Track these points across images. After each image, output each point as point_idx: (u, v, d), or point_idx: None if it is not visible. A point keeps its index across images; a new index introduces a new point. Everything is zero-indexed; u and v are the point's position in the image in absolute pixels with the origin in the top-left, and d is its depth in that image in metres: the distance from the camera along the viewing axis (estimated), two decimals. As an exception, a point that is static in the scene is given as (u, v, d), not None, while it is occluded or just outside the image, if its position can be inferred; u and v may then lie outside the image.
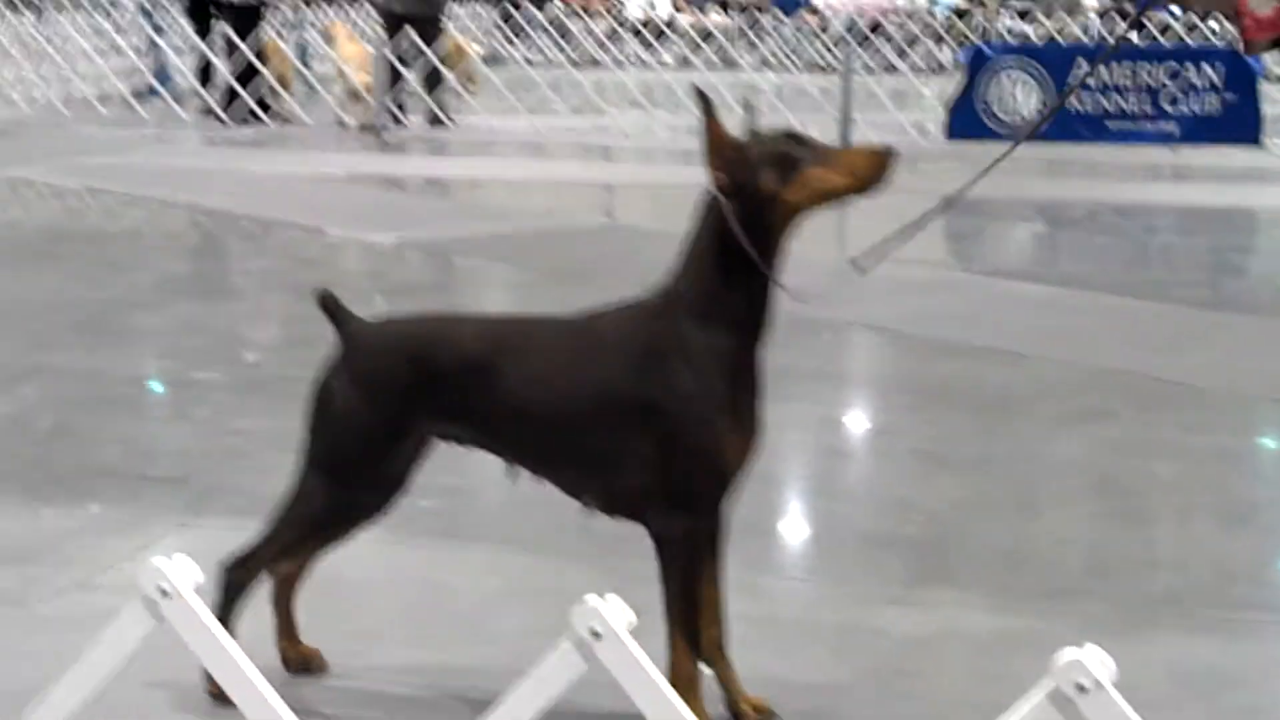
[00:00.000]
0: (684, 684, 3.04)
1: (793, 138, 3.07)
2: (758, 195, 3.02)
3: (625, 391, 3.04)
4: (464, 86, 15.96)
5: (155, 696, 3.06)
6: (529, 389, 3.09)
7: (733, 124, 3.16)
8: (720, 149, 3.04)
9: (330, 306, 3.35)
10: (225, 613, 3.16)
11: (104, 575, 4.10)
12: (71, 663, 1.85)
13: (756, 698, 3.28)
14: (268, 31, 15.57)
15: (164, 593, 1.76)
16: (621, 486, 3.09)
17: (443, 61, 15.32)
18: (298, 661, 3.34)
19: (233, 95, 15.34)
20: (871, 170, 3.00)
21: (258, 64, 15.32)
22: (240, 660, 1.79)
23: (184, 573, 1.76)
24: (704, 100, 3.09)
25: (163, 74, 17.10)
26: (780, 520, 4.02)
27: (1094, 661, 1.55)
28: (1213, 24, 24.20)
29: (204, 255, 9.34)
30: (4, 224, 10.26)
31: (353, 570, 3.80)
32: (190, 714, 3.07)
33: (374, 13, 17.47)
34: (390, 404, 3.17)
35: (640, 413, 3.02)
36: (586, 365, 3.10)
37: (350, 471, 3.19)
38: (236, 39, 15.28)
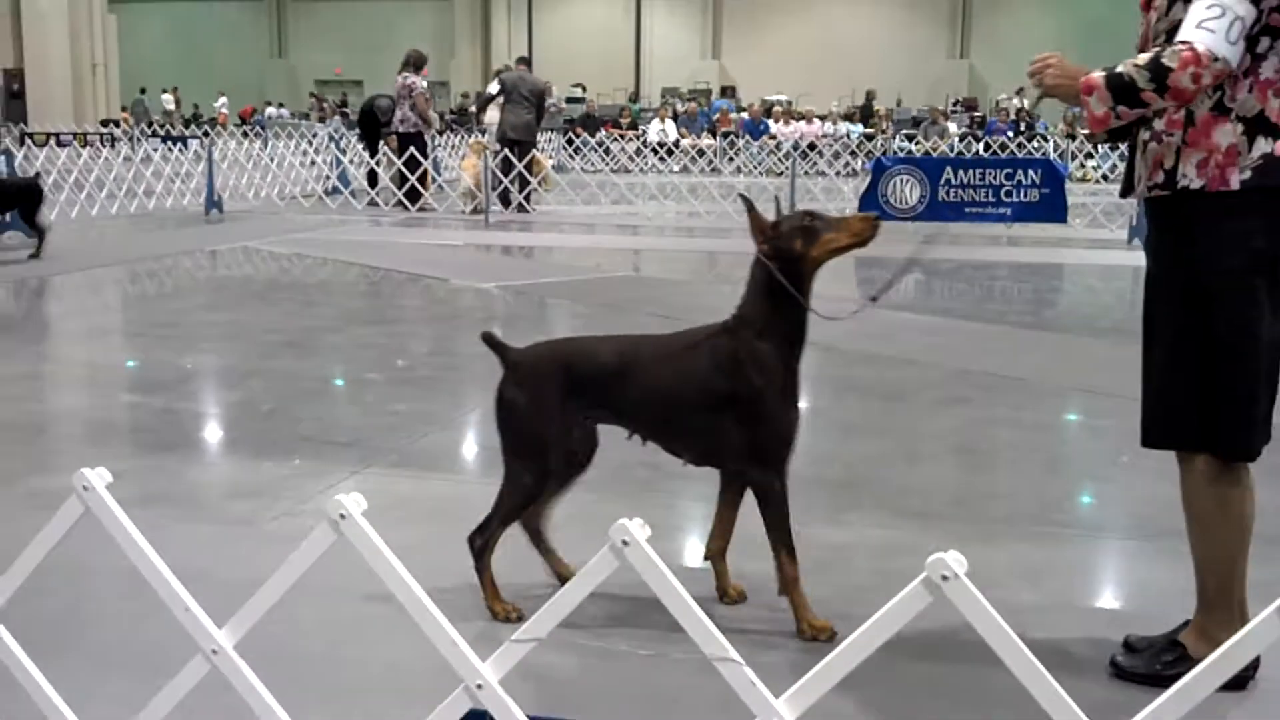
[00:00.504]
0: (790, 583, 3.10)
1: (809, 214, 3.11)
2: (791, 255, 3.06)
3: (715, 386, 3.06)
4: (541, 186, 15.93)
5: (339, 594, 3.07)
6: (647, 385, 3.10)
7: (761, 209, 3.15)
8: (761, 229, 3.11)
9: (492, 341, 3.30)
10: (479, 566, 3.21)
11: (304, 505, 4.12)
12: (281, 563, 1.85)
13: (738, 584, 3.28)
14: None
15: (342, 516, 1.76)
16: (709, 448, 3.13)
17: (528, 170, 15.34)
18: (564, 575, 3.32)
19: (409, 192, 15.38)
20: (865, 229, 3.04)
21: (430, 172, 15.37)
22: (395, 563, 1.78)
23: (355, 503, 1.76)
24: (746, 202, 3.18)
25: (344, 178, 17.13)
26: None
27: (953, 560, 1.54)
28: (1037, 143, 24.11)
29: (370, 297, 9.35)
30: (240, 277, 10.31)
31: (486, 502, 3.76)
32: (366, 607, 3.07)
33: (482, 138, 17.43)
34: (551, 402, 3.13)
35: (726, 400, 3.05)
36: (687, 368, 3.10)
37: (539, 454, 3.14)
38: (417, 153, 15.29)
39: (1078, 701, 1.58)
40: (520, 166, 15.16)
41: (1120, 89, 2.53)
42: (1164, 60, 2.47)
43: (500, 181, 15.13)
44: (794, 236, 3.06)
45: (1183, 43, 2.46)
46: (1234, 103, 2.56)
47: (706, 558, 3.33)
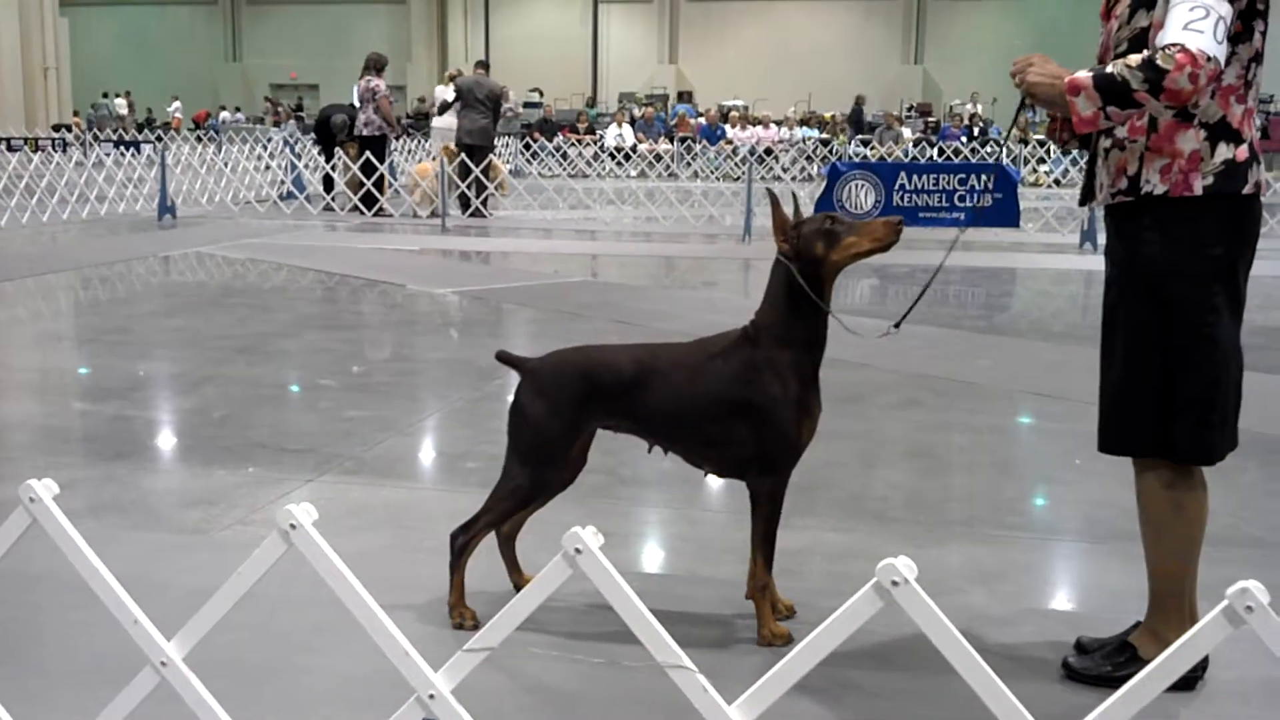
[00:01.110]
0: (760, 589, 3.08)
1: (831, 218, 3.04)
2: (813, 258, 3.00)
3: (733, 394, 3.01)
4: (497, 191, 15.89)
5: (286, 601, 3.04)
6: (665, 394, 3.04)
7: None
8: (784, 228, 3.04)
9: (507, 359, 3.23)
10: (454, 565, 3.15)
11: (256, 514, 4.08)
12: (231, 574, 1.84)
13: (787, 600, 3.26)
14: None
15: (292, 526, 1.75)
16: (731, 458, 3.06)
17: (485, 174, 15.30)
18: (520, 584, 3.27)
19: (365, 196, 15.32)
20: (888, 234, 2.97)
21: (386, 177, 15.29)
22: (346, 573, 1.77)
23: (305, 513, 1.75)
24: (772, 196, 3.09)
25: (298, 183, 17.02)
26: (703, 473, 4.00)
27: (903, 565, 1.54)
28: (990, 148, 24.30)
29: (325, 302, 9.29)
30: (193, 282, 10.22)
31: (443, 510, 3.74)
32: (311, 617, 3.04)
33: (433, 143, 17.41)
34: (567, 410, 3.08)
35: (744, 408, 3.00)
36: (705, 376, 3.05)
37: (544, 461, 3.10)
38: (375, 158, 15.22)
39: (1028, 704, 1.59)
40: (477, 171, 15.13)
41: (1111, 90, 2.49)
42: (1159, 62, 2.43)
43: (457, 186, 15.09)
44: (815, 238, 2.99)
45: (1173, 45, 2.42)
46: (1197, 109, 2.58)
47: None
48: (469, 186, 15.21)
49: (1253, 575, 1.57)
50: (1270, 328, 7.95)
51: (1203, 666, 2.76)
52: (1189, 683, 2.73)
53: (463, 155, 15.22)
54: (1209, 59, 2.41)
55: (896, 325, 3.15)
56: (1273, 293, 10.03)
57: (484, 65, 16.98)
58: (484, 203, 15.43)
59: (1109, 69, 2.51)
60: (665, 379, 3.06)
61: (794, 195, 3.38)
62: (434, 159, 15.63)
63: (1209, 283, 2.64)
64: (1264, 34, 2.61)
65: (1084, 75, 2.55)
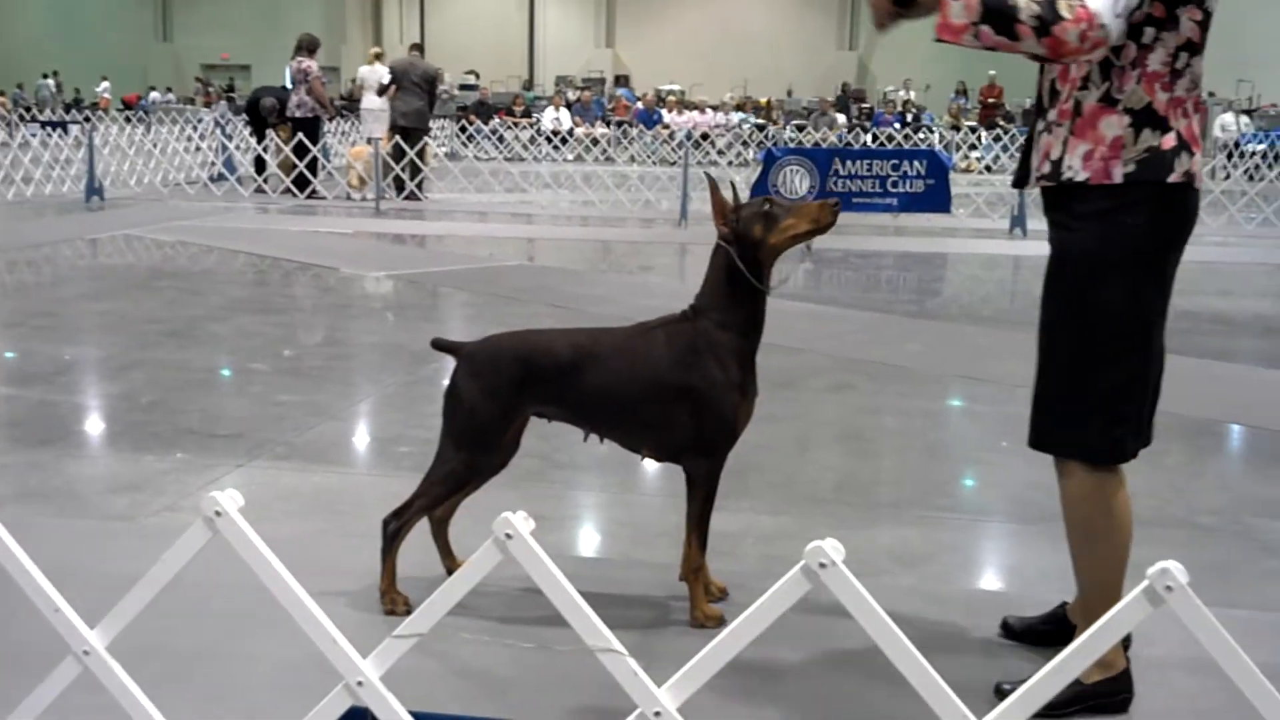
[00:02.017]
0: (695, 570, 3.09)
1: (769, 201, 3.04)
2: (752, 241, 2.99)
3: (674, 378, 3.00)
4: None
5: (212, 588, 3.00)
6: (604, 379, 3.01)
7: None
8: (723, 211, 3.03)
9: (443, 345, 3.19)
10: (387, 550, 3.11)
11: (185, 500, 4.03)
12: (157, 561, 1.81)
13: (719, 582, 3.27)
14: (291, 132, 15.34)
15: (217, 513, 1.72)
16: (670, 441, 3.04)
17: (420, 157, 15.19)
18: (453, 569, 3.23)
19: (297, 179, 15.18)
20: (825, 216, 2.98)
21: (319, 159, 15.11)
22: (271, 560, 1.75)
23: (231, 500, 1.72)
24: (711, 181, 3.08)
25: (229, 165, 16.77)
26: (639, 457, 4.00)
27: (830, 547, 1.55)
28: (923, 134, 24.50)
29: (256, 286, 9.17)
30: (121, 265, 10.05)
31: (376, 495, 3.71)
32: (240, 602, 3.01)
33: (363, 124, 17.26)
34: (503, 394, 3.04)
35: (685, 392, 2.98)
36: (644, 361, 3.03)
37: (478, 445, 3.07)
38: (307, 140, 15.05)
39: (954, 684, 1.60)
40: (412, 154, 15.01)
41: (996, 9, 2.36)
42: (1059, 7, 2.33)
43: (391, 169, 14.96)
44: (754, 222, 2.98)
45: (1077, 1, 2.35)
46: (1121, 94, 2.51)
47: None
48: (404, 169, 15.09)
49: (1174, 556, 1.59)
50: (1193, 312, 8.09)
51: (1128, 685, 2.71)
52: (1122, 705, 2.70)
53: (398, 138, 15.11)
54: (1101, 26, 2.34)
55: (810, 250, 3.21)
56: (1196, 278, 10.22)
57: (418, 47, 16.84)
58: (419, 186, 15.31)
59: None
60: (604, 363, 3.04)
61: (732, 182, 3.37)
62: (369, 141, 15.46)
63: (1129, 275, 2.56)
64: (1200, 24, 2.52)
65: None
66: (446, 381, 3.13)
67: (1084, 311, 2.61)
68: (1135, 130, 2.51)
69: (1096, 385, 2.63)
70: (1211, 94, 27.10)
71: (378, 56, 17.99)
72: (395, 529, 3.12)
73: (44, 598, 1.85)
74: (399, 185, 15.17)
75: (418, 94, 15.37)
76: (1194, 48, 2.53)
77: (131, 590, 1.83)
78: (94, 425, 5.17)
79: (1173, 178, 2.51)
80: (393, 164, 15.03)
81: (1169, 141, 2.52)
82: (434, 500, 3.14)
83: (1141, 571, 1.58)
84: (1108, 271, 2.57)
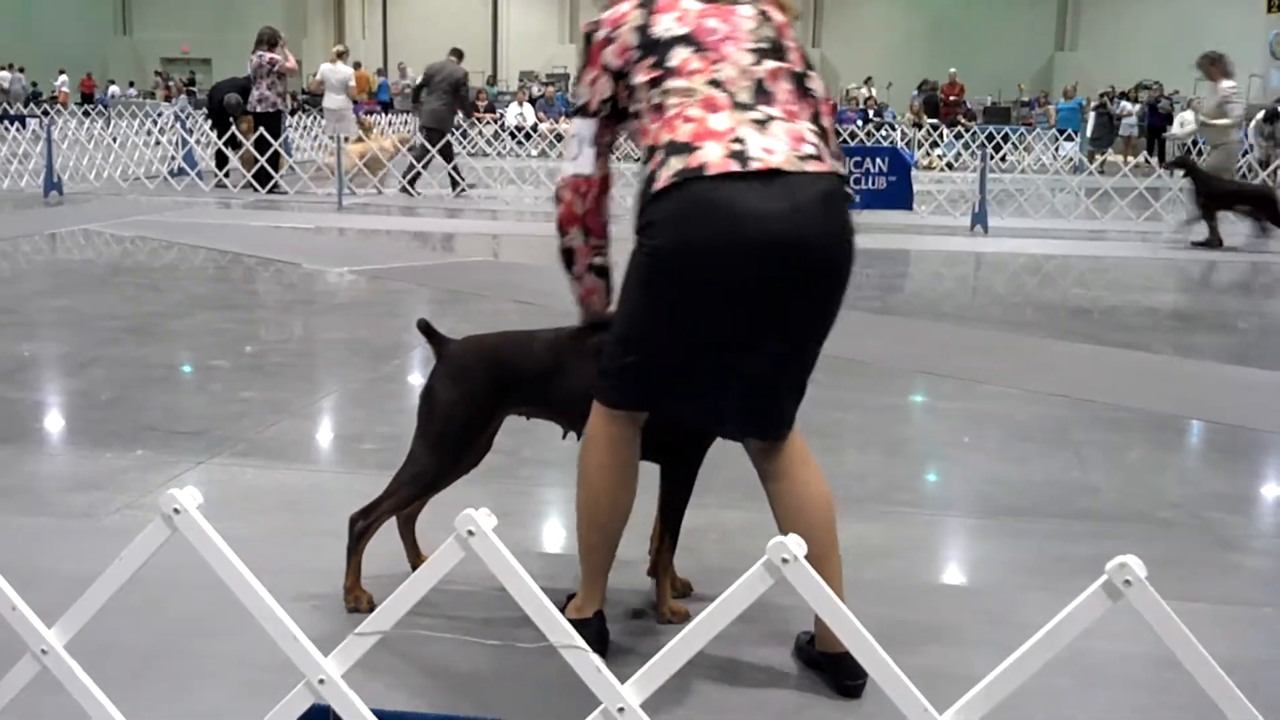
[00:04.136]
0: (665, 567, 3.16)
1: None
2: None
3: None
4: (367, 169, 15.86)
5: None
6: (586, 379, 2.92)
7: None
8: None
9: (427, 330, 3.13)
10: (353, 548, 3.08)
11: (145, 498, 3.99)
12: (114, 559, 1.79)
13: (684, 578, 3.31)
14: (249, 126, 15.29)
15: (176, 511, 1.70)
16: (649, 439, 2.92)
17: (444, 156, 15.63)
18: (418, 565, 3.16)
19: (259, 173, 15.18)
20: None
21: (281, 153, 15.01)
22: (232, 558, 1.74)
23: (190, 497, 1.71)
24: None
25: (190, 160, 16.62)
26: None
27: (793, 543, 1.55)
28: (884, 132, 24.61)
29: (217, 282, 9.09)
30: (80, 261, 9.95)
31: (340, 492, 3.69)
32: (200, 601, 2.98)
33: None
34: (482, 398, 3.01)
35: None
36: None
37: (452, 445, 3.03)
38: (269, 134, 14.97)
39: (917, 680, 1.61)
40: (435, 151, 15.43)
41: (562, 254, 2.90)
42: (558, 196, 2.83)
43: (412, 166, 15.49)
44: None
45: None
46: (652, 139, 2.68)
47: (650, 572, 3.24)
48: (425, 166, 15.54)
49: (1133, 550, 1.61)
50: (1150, 308, 8.17)
51: (860, 674, 2.67)
52: (853, 690, 2.70)
53: (419, 136, 15.69)
54: (570, 178, 2.79)
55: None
56: (1153, 274, 10.33)
57: (457, 52, 16.76)
58: (411, 182, 15.63)
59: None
60: (588, 363, 2.98)
61: None
62: (331, 138, 15.40)
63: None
64: (653, 69, 2.68)
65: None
66: (420, 380, 3.11)
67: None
68: (664, 160, 2.63)
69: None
70: (1175, 92, 27.42)
71: (340, 55, 17.90)
72: (362, 528, 3.09)
73: (1, 596, 1.83)
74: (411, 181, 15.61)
75: (442, 97, 15.82)
76: (667, 75, 2.68)
77: (90, 589, 1.81)
78: (53, 422, 5.11)
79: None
80: (416, 163, 15.46)
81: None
82: (403, 500, 3.12)
83: (1100, 566, 1.60)
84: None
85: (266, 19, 21.04)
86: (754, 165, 2.53)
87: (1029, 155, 23.17)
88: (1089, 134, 25.31)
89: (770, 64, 2.70)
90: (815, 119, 2.72)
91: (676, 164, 2.57)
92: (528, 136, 25.11)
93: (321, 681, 1.72)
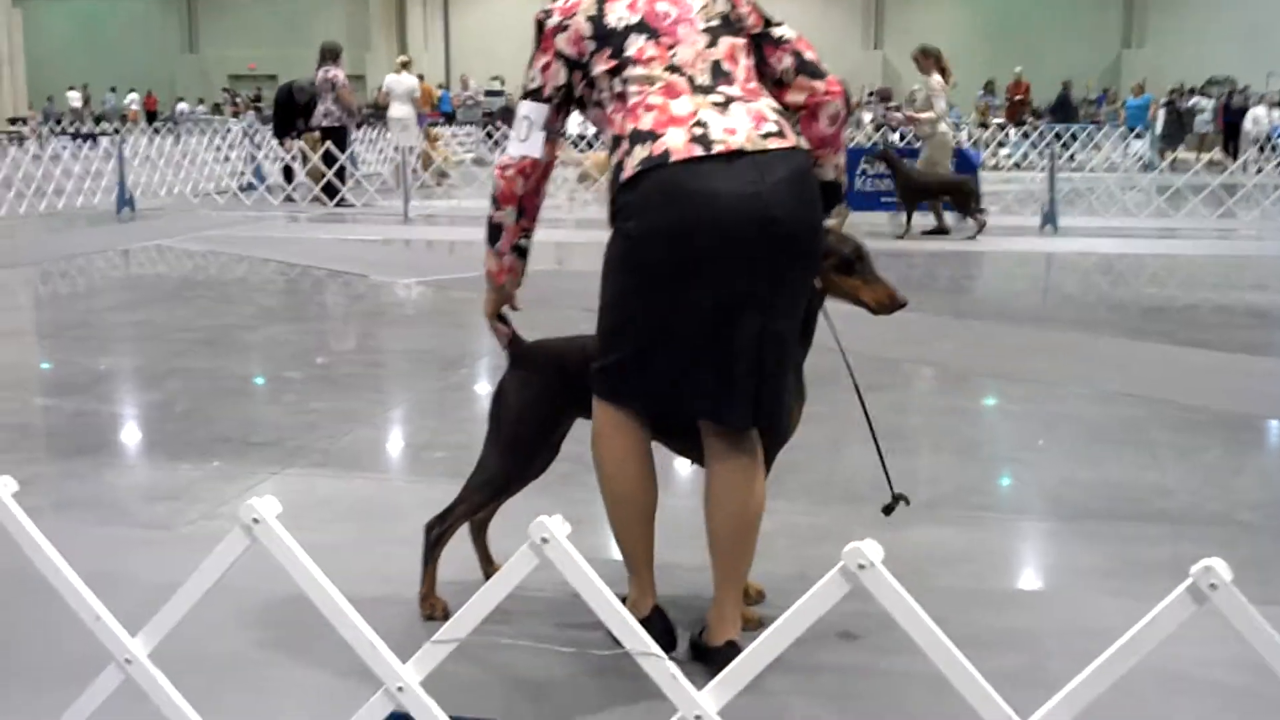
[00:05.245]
0: None
1: (861, 251, 3.07)
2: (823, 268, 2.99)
3: None
4: (432, 177, 15.98)
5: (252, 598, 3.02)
6: None
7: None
8: None
9: (506, 333, 3.17)
10: (429, 556, 3.10)
11: (222, 508, 4.05)
12: (195, 569, 1.82)
13: (757, 584, 3.30)
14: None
15: (255, 521, 1.73)
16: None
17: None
18: (491, 574, 3.20)
19: (326, 187, 15.27)
20: (885, 305, 3.14)
21: (347, 167, 15.18)
22: (310, 567, 1.76)
23: (269, 507, 1.73)
24: None
25: (259, 175, 16.87)
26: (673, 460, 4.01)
27: (869, 548, 1.55)
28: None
29: (287, 294, 9.22)
30: (154, 275, 10.13)
31: (411, 501, 3.72)
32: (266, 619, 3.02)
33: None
34: (551, 401, 3.03)
35: None
36: None
37: (524, 448, 3.05)
38: (336, 148, 15.08)
39: (996, 686, 1.60)
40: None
41: (489, 231, 3.00)
42: (496, 182, 2.92)
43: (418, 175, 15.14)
44: (832, 254, 2.96)
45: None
46: (617, 128, 2.72)
47: None
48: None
49: (1214, 553, 1.58)
50: (1227, 306, 8.02)
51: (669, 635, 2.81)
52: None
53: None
54: (510, 160, 2.87)
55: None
56: (1230, 272, 10.14)
57: None
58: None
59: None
60: None
61: (846, 198, 3.31)
62: (395, 149, 15.55)
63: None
64: (610, 59, 2.73)
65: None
66: (488, 389, 3.14)
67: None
68: (630, 148, 2.67)
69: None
70: (1246, 87, 26.90)
71: (405, 65, 18.05)
72: (438, 535, 3.11)
73: (85, 606, 1.87)
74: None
75: None
76: (625, 65, 2.73)
77: (172, 598, 1.84)
78: (130, 434, 5.21)
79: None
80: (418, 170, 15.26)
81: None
82: (476, 505, 3.14)
83: (1183, 569, 1.57)
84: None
85: (330, 33, 21.33)
86: (717, 149, 2.59)
87: (1098, 154, 22.85)
88: (1159, 131, 24.92)
89: (726, 41, 2.76)
90: (781, 84, 2.83)
91: (641, 152, 2.63)
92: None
93: (400, 689, 1.74)
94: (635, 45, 2.73)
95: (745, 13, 2.82)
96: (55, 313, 8.29)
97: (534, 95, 2.85)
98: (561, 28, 2.78)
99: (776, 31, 2.85)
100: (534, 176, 2.90)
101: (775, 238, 2.61)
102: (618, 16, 2.75)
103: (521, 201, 2.92)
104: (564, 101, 2.86)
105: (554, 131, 2.88)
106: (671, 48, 2.72)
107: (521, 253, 3.01)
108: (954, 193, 12.27)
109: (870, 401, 3.35)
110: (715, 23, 2.77)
